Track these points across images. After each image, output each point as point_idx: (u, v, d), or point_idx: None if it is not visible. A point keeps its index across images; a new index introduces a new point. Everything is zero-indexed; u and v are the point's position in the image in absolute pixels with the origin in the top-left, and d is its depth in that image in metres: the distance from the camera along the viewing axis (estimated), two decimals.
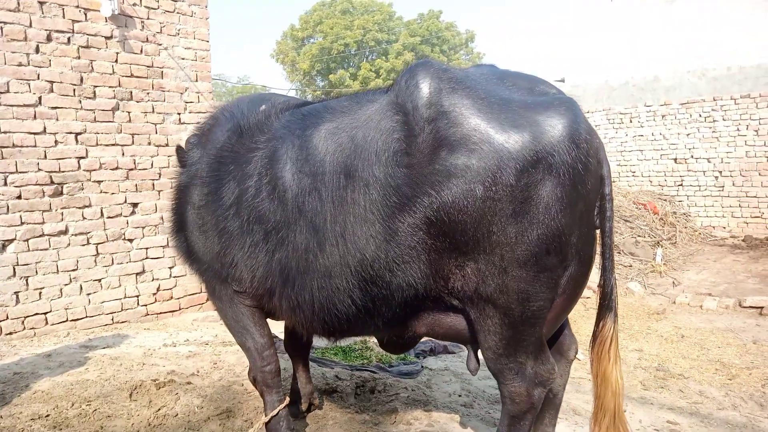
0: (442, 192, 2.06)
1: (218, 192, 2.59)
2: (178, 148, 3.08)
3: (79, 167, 5.47)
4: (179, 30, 6.10)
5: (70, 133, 5.42)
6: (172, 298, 6.12)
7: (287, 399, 2.87)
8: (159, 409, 3.38)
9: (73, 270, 5.47)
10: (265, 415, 2.81)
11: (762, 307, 6.94)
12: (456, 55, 37.35)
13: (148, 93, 5.80)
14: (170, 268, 6.09)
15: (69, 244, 5.45)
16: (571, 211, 2.06)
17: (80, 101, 5.44)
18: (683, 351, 5.82)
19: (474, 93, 2.11)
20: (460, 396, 3.99)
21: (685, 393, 4.65)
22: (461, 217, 2.05)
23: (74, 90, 5.40)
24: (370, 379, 4.05)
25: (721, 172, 11.90)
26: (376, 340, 5.40)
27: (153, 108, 5.84)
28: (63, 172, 5.38)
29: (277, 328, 3.75)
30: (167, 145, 5.97)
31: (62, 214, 5.39)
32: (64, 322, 5.45)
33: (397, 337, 2.56)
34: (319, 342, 4.57)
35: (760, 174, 11.36)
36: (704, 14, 13.46)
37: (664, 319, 7.13)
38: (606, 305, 2.30)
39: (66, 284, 5.46)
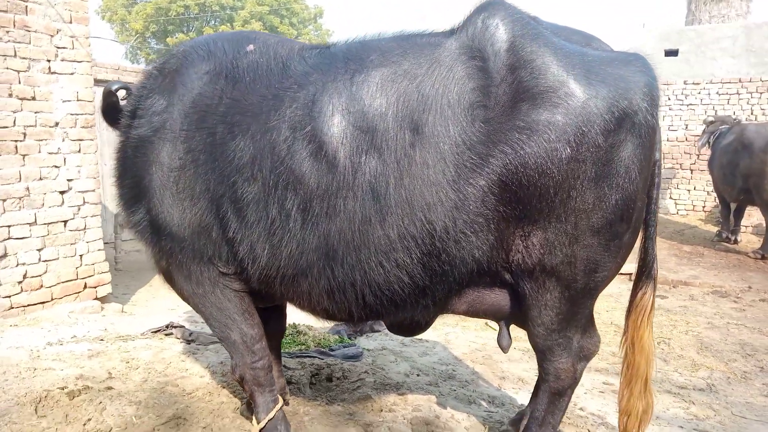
0: (521, 151, 1.82)
1: (213, 150, 2.05)
2: (108, 93, 2.42)
3: None
4: None
5: None
6: (42, 286, 5.03)
7: (281, 400, 2.43)
8: (84, 424, 2.74)
9: None
10: (258, 421, 2.35)
11: (631, 274, 7.75)
12: (305, 29, 36.40)
13: (8, 32, 4.59)
14: (39, 250, 4.98)
15: None
16: (644, 174, 1.96)
17: None
18: None
19: (550, 42, 1.89)
20: (418, 375, 3.82)
21: (601, 355, 4.98)
22: (541, 180, 1.84)
23: None
24: (323, 366, 3.70)
25: None
26: (306, 322, 5.01)
27: (15, 51, 4.64)
28: None
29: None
30: (34, 98, 4.81)
31: None
32: None
33: (429, 318, 2.27)
34: None
35: None
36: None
37: None
38: (646, 273, 2.28)
39: None
